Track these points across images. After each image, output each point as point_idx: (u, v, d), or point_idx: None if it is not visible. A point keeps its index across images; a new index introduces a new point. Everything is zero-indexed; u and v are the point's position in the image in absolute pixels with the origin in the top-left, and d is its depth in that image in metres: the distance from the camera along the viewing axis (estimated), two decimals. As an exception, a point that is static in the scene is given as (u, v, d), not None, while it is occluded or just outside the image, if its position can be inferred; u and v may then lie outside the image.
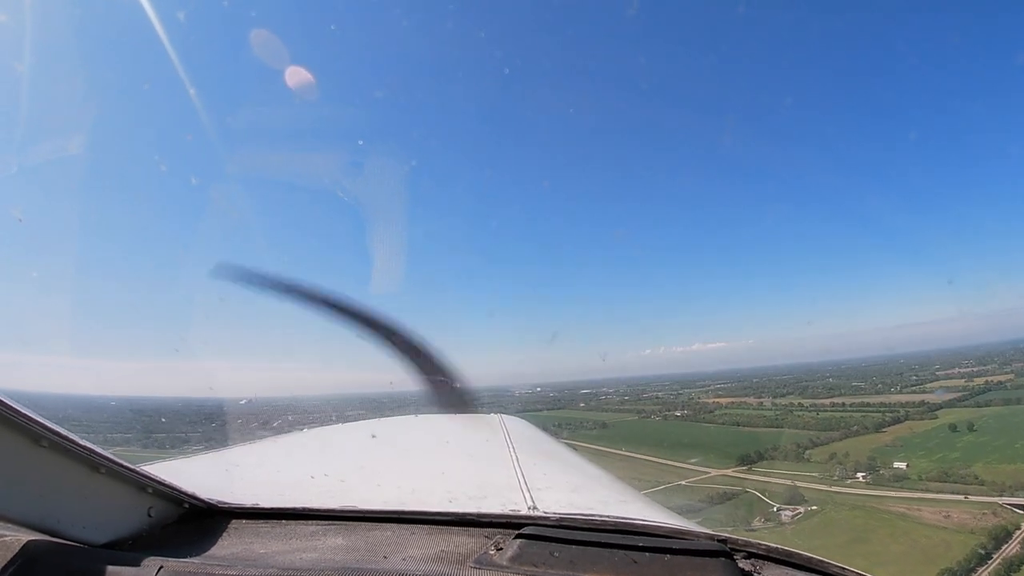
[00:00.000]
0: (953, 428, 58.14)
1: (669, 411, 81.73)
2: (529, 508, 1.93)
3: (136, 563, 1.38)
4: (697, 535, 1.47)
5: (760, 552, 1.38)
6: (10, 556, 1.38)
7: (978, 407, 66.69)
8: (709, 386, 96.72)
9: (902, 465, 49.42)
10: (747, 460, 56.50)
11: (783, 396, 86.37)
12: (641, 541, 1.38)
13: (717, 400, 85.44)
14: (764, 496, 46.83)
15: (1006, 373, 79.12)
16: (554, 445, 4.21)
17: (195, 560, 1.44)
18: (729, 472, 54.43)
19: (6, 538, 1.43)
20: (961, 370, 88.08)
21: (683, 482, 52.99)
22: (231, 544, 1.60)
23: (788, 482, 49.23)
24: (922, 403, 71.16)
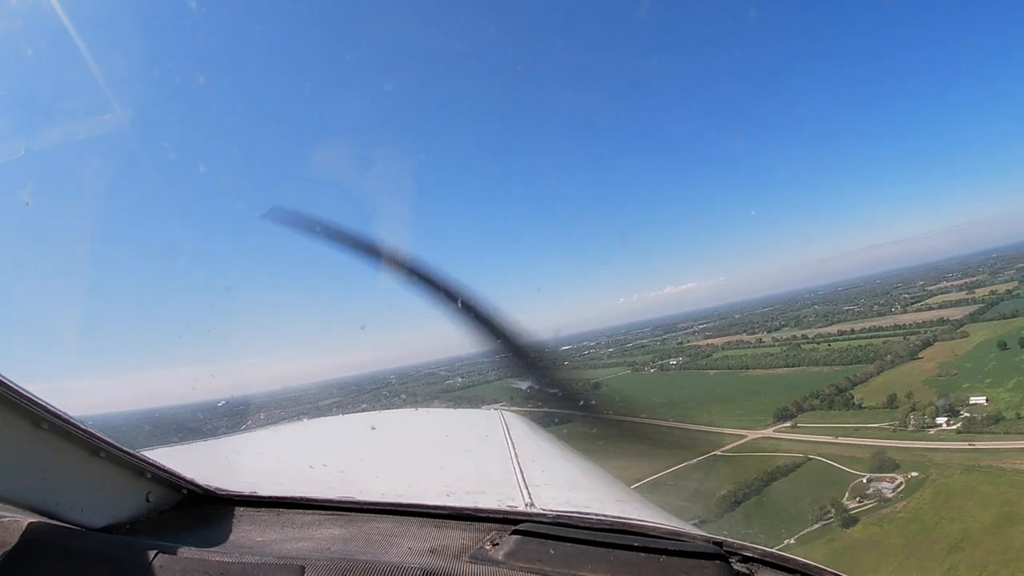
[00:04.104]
0: (1003, 346, 49.62)
1: (663, 360, 70.49)
2: (526, 504, 1.88)
3: (133, 548, 1.38)
4: (693, 537, 1.44)
5: (755, 556, 1.35)
6: (9, 538, 1.40)
7: (1004, 319, 59.46)
8: (691, 327, 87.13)
9: (981, 399, 39.65)
10: (785, 415, 45.40)
11: (777, 330, 77.83)
12: (637, 542, 1.36)
13: (710, 342, 75.29)
14: (838, 464, 35.61)
15: (1005, 282, 73.79)
16: (553, 442, 3.79)
17: (192, 546, 1.41)
18: (770, 433, 43.15)
19: (5, 519, 1.45)
20: (950, 283, 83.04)
21: (719, 452, 41.23)
22: (228, 531, 1.58)
23: (857, 441, 38.47)
24: (941, 320, 63.96)
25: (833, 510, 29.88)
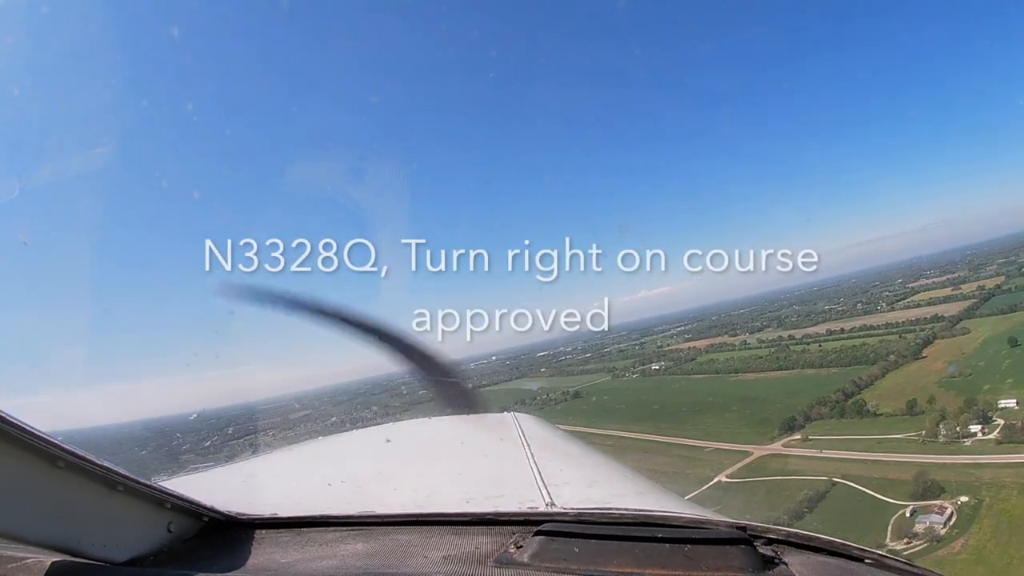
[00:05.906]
0: (1014, 342, 45.46)
1: (644, 364, 64.36)
2: (547, 504, 1.91)
3: None
4: (716, 523, 1.45)
5: (780, 537, 1.37)
6: None
7: (1003, 314, 56.07)
8: (669, 330, 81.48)
9: (1011, 403, 34.83)
10: (792, 425, 39.67)
11: (760, 331, 73.19)
12: (661, 533, 1.38)
13: (692, 345, 69.76)
14: (870, 489, 29.82)
15: (991, 277, 71.24)
16: (568, 440, 3.89)
17: (216, 573, 1.44)
18: (779, 448, 37.28)
19: (28, 560, 1.47)
20: (930, 280, 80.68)
21: (723, 478, 34.91)
22: (252, 555, 1.61)
23: (884, 456, 32.92)
24: (936, 317, 60.41)
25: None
